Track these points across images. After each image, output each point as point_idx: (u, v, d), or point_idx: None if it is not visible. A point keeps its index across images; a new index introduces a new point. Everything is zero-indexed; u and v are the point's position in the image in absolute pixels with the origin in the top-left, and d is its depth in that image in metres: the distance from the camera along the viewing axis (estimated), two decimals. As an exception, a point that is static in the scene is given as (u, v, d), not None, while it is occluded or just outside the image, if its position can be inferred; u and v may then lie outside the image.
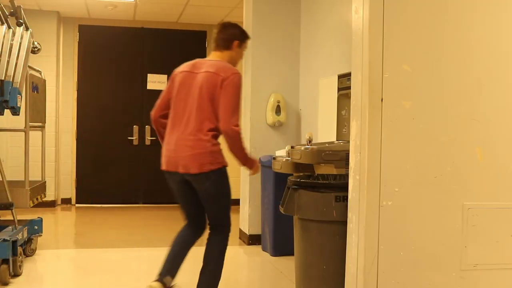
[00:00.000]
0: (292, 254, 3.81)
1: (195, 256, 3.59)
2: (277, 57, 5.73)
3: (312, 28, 5.50)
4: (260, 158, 5.45)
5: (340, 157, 3.61)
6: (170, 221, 7.36)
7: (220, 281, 3.58)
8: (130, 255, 5.25)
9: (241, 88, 3.57)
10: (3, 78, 4.30)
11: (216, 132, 3.50)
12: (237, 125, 3.44)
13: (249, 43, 5.65)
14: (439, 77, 2.93)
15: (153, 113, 3.78)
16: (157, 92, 8.50)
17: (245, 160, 3.62)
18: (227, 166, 3.53)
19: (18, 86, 4.40)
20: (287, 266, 4.65)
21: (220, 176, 3.54)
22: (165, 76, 8.45)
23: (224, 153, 3.52)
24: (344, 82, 4.55)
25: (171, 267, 3.62)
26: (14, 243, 4.16)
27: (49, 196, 7.44)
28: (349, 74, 3.78)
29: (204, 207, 3.65)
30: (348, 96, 4.11)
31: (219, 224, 3.65)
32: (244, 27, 5.92)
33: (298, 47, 5.76)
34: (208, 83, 3.56)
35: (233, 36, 3.78)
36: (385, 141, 2.88)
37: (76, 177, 8.44)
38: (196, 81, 3.64)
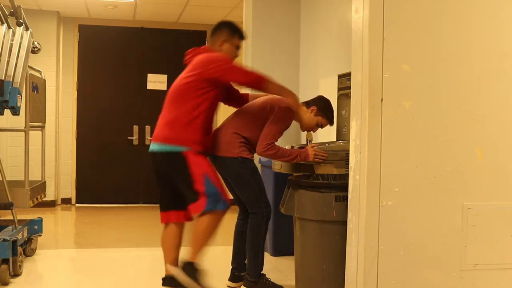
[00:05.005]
0: (292, 254, 3.81)
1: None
2: (277, 57, 5.73)
3: (312, 28, 5.50)
4: (260, 158, 5.45)
5: (340, 157, 3.61)
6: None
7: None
8: (130, 255, 5.24)
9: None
10: (3, 78, 4.30)
11: None
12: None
13: (248, 42, 5.67)
14: (439, 77, 2.94)
15: None
16: (157, 92, 8.54)
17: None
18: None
19: (18, 86, 4.40)
20: (287, 266, 4.65)
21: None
22: (165, 76, 8.45)
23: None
24: (344, 82, 4.55)
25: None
26: (14, 243, 4.16)
27: (49, 196, 7.45)
28: (349, 74, 3.78)
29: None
30: (348, 96, 4.11)
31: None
32: (244, 27, 5.93)
33: (298, 47, 5.76)
34: None
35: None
36: (385, 141, 2.89)
37: (76, 177, 8.44)
38: None
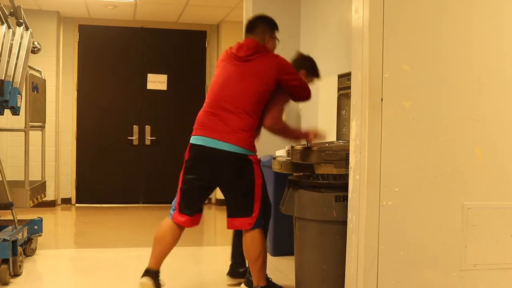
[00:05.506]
0: (292, 254, 3.81)
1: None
2: (277, 57, 5.72)
3: (312, 28, 5.50)
4: (260, 158, 5.44)
5: (340, 157, 3.60)
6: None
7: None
8: (130, 255, 5.24)
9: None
10: (3, 78, 4.30)
11: None
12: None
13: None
14: (439, 77, 2.94)
15: None
16: (157, 92, 8.54)
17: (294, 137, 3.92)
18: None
19: (18, 86, 4.40)
20: (287, 265, 4.65)
21: None
22: (165, 76, 8.46)
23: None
24: (344, 82, 4.55)
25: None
26: (14, 243, 4.16)
27: (49, 196, 7.45)
28: (349, 74, 3.78)
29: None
30: (348, 96, 4.11)
31: None
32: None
33: (298, 47, 5.75)
34: None
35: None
36: (385, 141, 2.88)
37: (76, 177, 8.44)
38: None
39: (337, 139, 4.63)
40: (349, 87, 3.17)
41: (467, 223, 2.94)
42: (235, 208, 3.69)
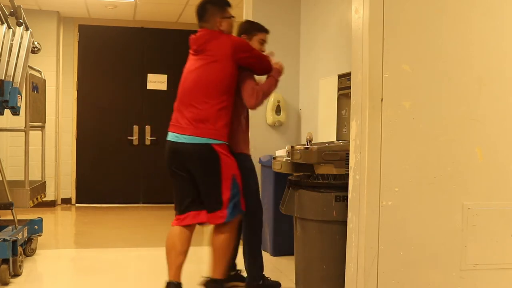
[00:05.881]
0: (292, 254, 3.81)
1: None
2: (277, 57, 5.68)
3: (312, 28, 5.50)
4: (260, 158, 5.45)
5: (340, 157, 3.61)
6: (170, 221, 7.36)
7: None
8: (130, 255, 5.25)
9: None
10: (3, 78, 4.30)
11: None
12: None
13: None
14: (439, 77, 2.94)
15: None
16: (157, 92, 8.52)
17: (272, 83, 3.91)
18: None
19: (18, 86, 4.40)
20: (287, 266, 4.65)
21: None
22: (165, 76, 8.45)
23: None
24: (344, 82, 4.55)
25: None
26: (14, 243, 4.16)
27: (49, 196, 7.45)
28: (349, 74, 3.78)
29: None
30: (348, 96, 4.11)
31: None
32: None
33: (298, 47, 5.76)
34: None
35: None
36: (385, 141, 2.88)
37: (76, 177, 8.44)
38: None
39: (337, 139, 4.63)
40: (349, 87, 3.17)
41: (467, 223, 2.94)
42: (205, 201, 3.65)
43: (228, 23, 3.85)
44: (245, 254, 3.98)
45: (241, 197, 3.68)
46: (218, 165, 3.57)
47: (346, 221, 3.08)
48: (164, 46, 8.62)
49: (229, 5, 3.91)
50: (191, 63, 3.80)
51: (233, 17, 3.90)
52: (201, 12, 3.88)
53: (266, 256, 5.15)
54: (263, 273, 3.97)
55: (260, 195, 5.40)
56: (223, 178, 3.58)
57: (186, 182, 3.65)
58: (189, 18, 8.28)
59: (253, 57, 3.79)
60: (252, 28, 4.12)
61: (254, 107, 3.81)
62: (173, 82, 8.50)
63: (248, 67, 3.79)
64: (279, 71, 3.97)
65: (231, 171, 3.62)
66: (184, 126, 3.59)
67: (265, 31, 4.11)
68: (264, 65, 3.89)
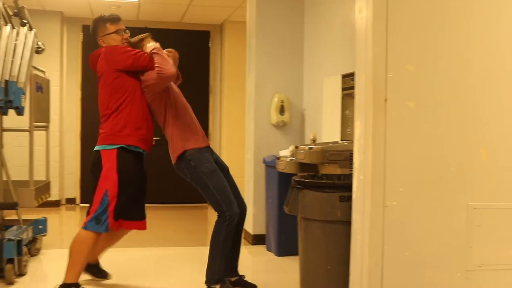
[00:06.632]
0: (296, 254, 3.81)
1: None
2: (281, 57, 5.73)
3: (316, 28, 5.49)
4: (264, 158, 5.45)
5: (344, 157, 3.61)
6: (175, 220, 7.37)
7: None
8: (134, 254, 5.25)
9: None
10: (7, 78, 4.31)
11: None
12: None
13: (252, 42, 5.67)
14: (443, 76, 2.93)
15: None
16: (161, 92, 8.35)
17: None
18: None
19: (22, 86, 4.41)
20: (292, 266, 4.65)
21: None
22: (169, 76, 8.45)
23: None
24: (348, 82, 4.54)
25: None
26: (19, 242, 4.17)
27: (54, 196, 7.44)
28: (353, 74, 3.77)
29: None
30: (352, 96, 4.11)
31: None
32: (248, 27, 5.93)
33: (302, 47, 5.76)
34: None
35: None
36: (389, 141, 2.88)
37: (80, 176, 8.45)
38: None
39: (341, 139, 4.63)
40: (353, 87, 3.17)
41: (472, 223, 2.94)
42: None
43: (112, 38, 4.03)
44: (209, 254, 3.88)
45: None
46: (99, 170, 3.92)
47: (351, 221, 3.08)
48: (167, 46, 8.52)
49: (110, 21, 4.08)
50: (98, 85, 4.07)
51: (121, 30, 4.07)
52: (93, 37, 4.19)
53: (270, 256, 5.16)
54: (228, 278, 3.88)
55: (265, 195, 5.44)
56: (100, 182, 3.87)
57: None
58: (193, 18, 8.29)
59: (126, 59, 3.85)
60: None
61: (165, 75, 3.77)
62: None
63: (130, 69, 3.85)
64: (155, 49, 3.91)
65: (112, 176, 3.79)
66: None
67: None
68: (138, 63, 3.85)
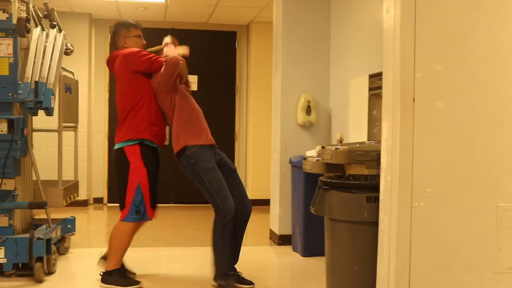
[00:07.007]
0: (322, 254, 3.80)
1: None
2: (308, 57, 5.72)
3: (342, 28, 5.47)
4: (290, 158, 5.45)
5: (371, 157, 3.58)
6: (199, 220, 7.40)
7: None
8: (161, 254, 5.29)
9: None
10: (37, 80, 4.37)
11: None
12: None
13: (278, 42, 5.66)
14: (473, 76, 2.89)
15: None
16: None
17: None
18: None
19: (51, 87, 4.46)
20: (318, 266, 4.64)
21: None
22: (196, 77, 8.48)
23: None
24: (375, 82, 4.51)
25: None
26: (48, 241, 4.23)
27: (82, 195, 7.55)
28: (380, 74, 3.75)
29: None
30: (379, 96, 4.08)
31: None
32: (274, 27, 5.93)
33: (328, 47, 5.74)
34: None
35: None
36: (417, 141, 2.86)
37: (107, 176, 8.53)
38: None
39: (368, 139, 4.60)
40: (380, 87, 3.15)
41: (501, 225, 2.89)
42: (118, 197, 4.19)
43: (133, 42, 4.31)
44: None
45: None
46: (127, 165, 4.11)
47: (378, 222, 3.06)
48: (194, 47, 8.57)
49: (133, 26, 4.37)
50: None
51: (140, 36, 4.38)
52: (112, 40, 4.43)
53: (296, 257, 5.15)
54: (231, 273, 3.99)
55: (291, 195, 5.43)
56: (129, 177, 4.09)
57: None
58: (219, 18, 8.32)
59: (141, 63, 4.12)
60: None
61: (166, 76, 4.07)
62: (203, 83, 8.55)
63: (145, 72, 4.14)
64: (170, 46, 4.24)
65: (138, 172, 4.07)
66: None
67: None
68: (153, 66, 4.13)
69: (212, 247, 3.99)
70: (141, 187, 4.04)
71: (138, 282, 4.09)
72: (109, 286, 4.04)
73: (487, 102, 2.90)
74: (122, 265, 4.22)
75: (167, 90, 4.10)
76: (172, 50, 4.16)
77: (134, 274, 4.33)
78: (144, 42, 4.37)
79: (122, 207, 4.11)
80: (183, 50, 4.31)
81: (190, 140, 4.09)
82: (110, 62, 4.29)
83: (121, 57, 4.13)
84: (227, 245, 3.93)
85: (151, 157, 4.15)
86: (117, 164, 4.17)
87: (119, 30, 4.31)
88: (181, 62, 4.19)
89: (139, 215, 4.03)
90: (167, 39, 4.30)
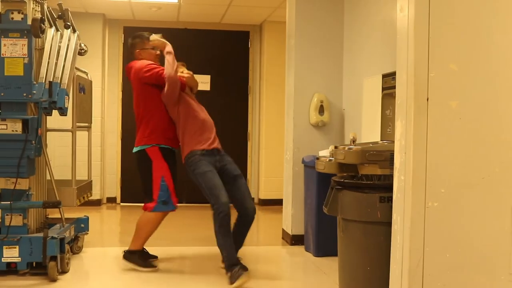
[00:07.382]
0: (335, 254, 3.79)
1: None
2: (320, 57, 5.71)
3: (355, 27, 5.46)
4: (303, 158, 5.44)
5: (385, 157, 3.57)
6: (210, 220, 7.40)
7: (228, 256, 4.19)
8: (174, 253, 5.30)
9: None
10: (51, 80, 4.40)
11: None
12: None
13: (292, 42, 5.66)
14: (487, 76, 2.87)
15: None
16: (200, 93, 8.53)
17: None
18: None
19: (65, 87, 4.49)
20: (330, 266, 4.62)
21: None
22: (208, 77, 8.50)
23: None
24: (389, 81, 4.50)
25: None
26: (62, 240, 4.26)
27: (95, 195, 7.57)
28: (393, 74, 3.74)
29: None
30: (392, 96, 4.07)
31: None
32: (287, 27, 5.92)
33: (341, 46, 5.73)
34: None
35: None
36: (430, 141, 2.84)
37: (121, 176, 8.56)
38: None
39: (381, 139, 4.58)
40: (394, 87, 3.13)
41: (516, 225, 2.87)
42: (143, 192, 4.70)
43: (147, 54, 4.78)
44: None
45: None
46: (149, 164, 4.66)
47: (391, 222, 3.05)
48: (207, 46, 8.67)
49: (147, 38, 4.74)
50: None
51: (154, 48, 4.78)
52: (129, 52, 4.95)
53: (309, 257, 5.14)
54: (237, 265, 4.14)
55: (304, 195, 5.42)
56: (153, 173, 4.62)
57: None
58: (232, 18, 8.33)
59: (149, 76, 4.59)
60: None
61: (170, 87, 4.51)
62: (216, 83, 8.56)
63: (153, 83, 4.61)
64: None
65: (160, 168, 4.59)
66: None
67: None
68: (158, 80, 4.58)
69: (216, 242, 4.25)
70: (165, 179, 4.57)
71: (154, 266, 4.59)
72: (129, 263, 4.59)
73: (502, 102, 2.88)
74: (145, 249, 4.75)
75: (175, 103, 4.54)
76: (170, 65, 4.55)
77: (156, 257, 4.86)
78: (158, 52, 4.78)
79: (148, 200, 4.59)
80: (181, 69, 4.82)
81: (192, 147, 4.51)
82: (128, 71, 4.81)
83: (134, 69, 4.62)
84: (226, 239, 4.18)
85: (168, 158, 4.65)
86: (139, 164, 4.73)
87: (135, 42, 4.79)
88: (184, 78, 4.71)
89: (165, 205, 4.54)
90: (155, 36, 4.69)
